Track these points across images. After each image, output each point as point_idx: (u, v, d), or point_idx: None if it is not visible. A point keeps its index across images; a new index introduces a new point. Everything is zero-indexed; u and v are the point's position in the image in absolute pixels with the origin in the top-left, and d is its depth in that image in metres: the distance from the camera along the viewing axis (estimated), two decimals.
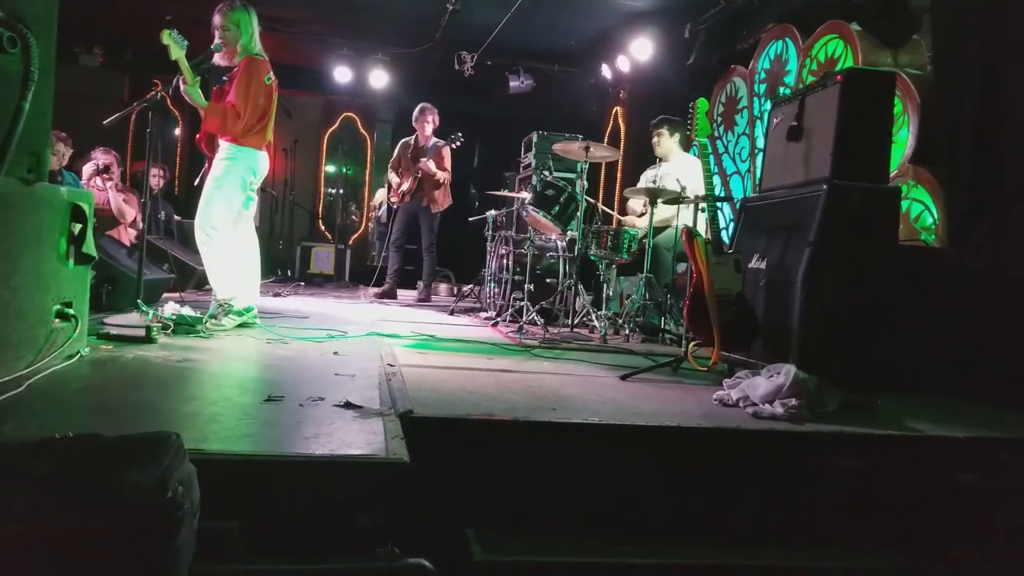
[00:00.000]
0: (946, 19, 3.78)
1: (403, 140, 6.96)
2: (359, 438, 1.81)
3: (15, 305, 2.22)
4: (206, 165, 4.04)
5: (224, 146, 3.84)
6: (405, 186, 6.65)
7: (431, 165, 6.49)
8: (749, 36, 6.26)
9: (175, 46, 3.64)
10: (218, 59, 3.88)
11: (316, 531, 1.60)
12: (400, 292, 6.95)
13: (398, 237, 6.82)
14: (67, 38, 2.53)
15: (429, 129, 6.71)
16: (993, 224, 3.36)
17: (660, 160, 5.41)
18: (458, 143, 6.54)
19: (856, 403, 2.73)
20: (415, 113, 6.76)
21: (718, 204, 3.57)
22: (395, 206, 6.86)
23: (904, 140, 4.14)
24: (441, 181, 6.61)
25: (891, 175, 3.51)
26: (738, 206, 4.20)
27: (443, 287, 8.12)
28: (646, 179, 5.43)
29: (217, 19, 3.83)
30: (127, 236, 6.08)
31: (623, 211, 5.86)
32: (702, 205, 3.94)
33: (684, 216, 4.41)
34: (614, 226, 5.06)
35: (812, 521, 2.25)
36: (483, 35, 7.55)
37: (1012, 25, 3.34)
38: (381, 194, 9.78)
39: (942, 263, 3.59)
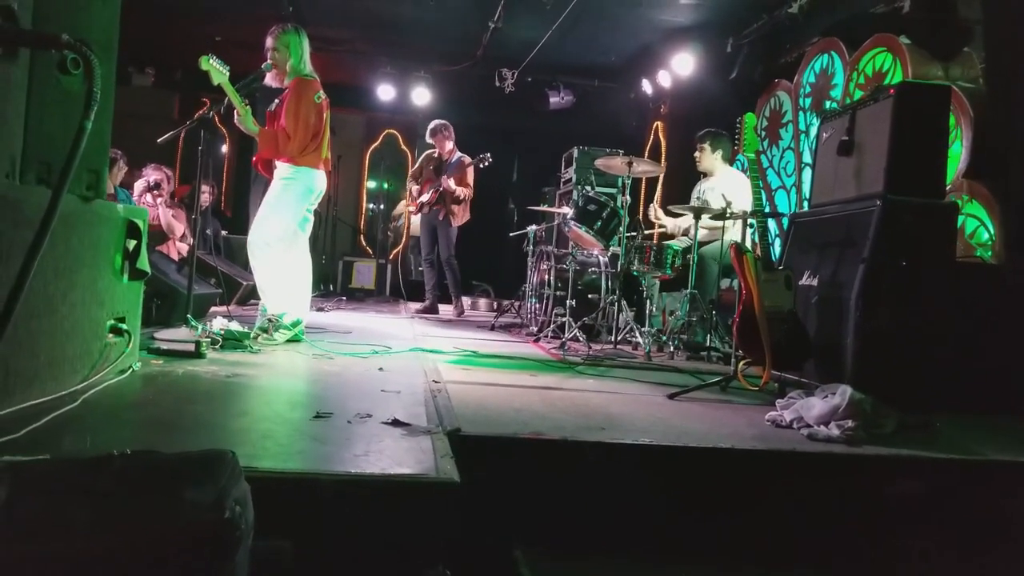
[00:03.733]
0: (999, 31, 3.69)
1: (427, 152, 7.04)
2: (409, 456, 1.79)
3: (71, 320, 2.26)
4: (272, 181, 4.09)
5: (282, 166, 3.91)
6: (425, 197, 6.71)
7: (451, 183, 6.54)
8: (793, 50, 6.18)
9: (215, 72, 3.71)
10: (270, 80, 3.95)
11: (366, 551, 1.59)
12: (441, 307, 6.98)
13: (428, 253, 6.89)
14: (120, 58, 2.60)
15: (450, 145, 6.78)
16: None
17: (704, 175, 5.35)
18: (486, 163, 6.56)
19: (914, 425, 2.63)
20: (432, 129, 6.82)
21: (766, 220, 3.51)
22: (413, 215, 6.96)
23: (958, 154, 4.03)
24: (461, 198, 6.64)
25: (946, 190, 3.41)
26: (786, 222, 4.12)
27: (482, 302, 8.12)
28: (694, 195, 5.37)
29: (269, 41, 3.91)
30: (176, 251, 6.22)
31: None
32: (750, 221, 3.87)
33: (731, 231, 4.33)
34: (655, 235, 5.00)
35: (870, 547, 2.16)
36: (524, 52, 7.59)
37: None
38: (402, 206, 9.88)
39: (999, 280, 3.48)
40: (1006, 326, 3.21)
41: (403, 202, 9.90)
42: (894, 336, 2.98)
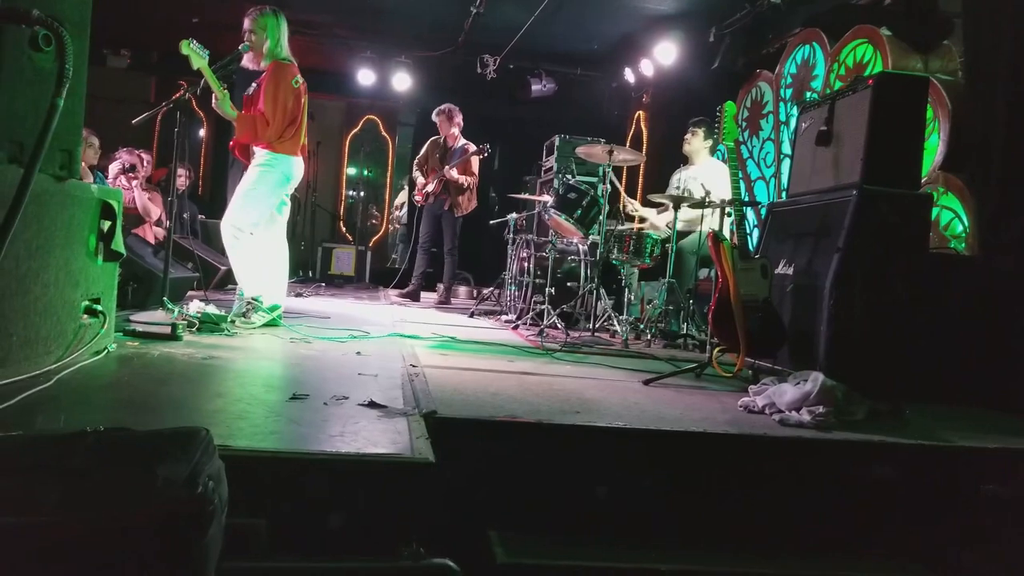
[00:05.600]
0: (978, 24, 3.73)
1: (432, 139, 6.89)
2: (384, 437, 1.80)
3: (45, 300, 2.24)
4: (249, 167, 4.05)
5: (259, 152, 3.87)
6: (430, 187, 6.62)
7: (455, 173, 6.46)
8: (775, 40, 6.21)
9: (195, 56, 3.66)
10: (247, 62, 3.91)
11: (341, 529, 1.59)
12: (422, 294, 6.96)
13: (426, 240, 6.80)
14: (95, 40, 2.56)
15: (455, 130, 6.65)
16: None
17: (684, 163, 5.38)
18: (486, 153, 6.50)
19: (884, 412, 2.68)
20: (439, 113, 6.68)
21: (744, 209, 3.54)
22: (418, 205, 6.86)
23: (935, 146, 4.08)
24: (466, 187, 6.58)
25: (922, 181, 3.46)
26: (764, 211, 4.16)
27: (462, 290, 8.12)
28: (673, 182, 5.40)
29: (246, 23, 3.86)
30: (152, 235, 6.15)
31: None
32: (728, 209, 3.91)
33: (708, 220, 4.37)
34: (635, 223, 5.03)
35: (839, 531, 2.21)
36: (506, 38, 7.56)
37: None
38: (403, 195, 9.81)
39: (972, 271, 3.54)
40: (977, 318, 3.27)
41: (403, 191, 9.80)
42: (866, 325, 3.03)
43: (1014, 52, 3.40)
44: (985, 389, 3.12)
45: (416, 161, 6.99)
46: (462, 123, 6.71)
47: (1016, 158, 3.39)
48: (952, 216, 4.03)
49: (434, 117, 6.76)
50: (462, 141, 6.65)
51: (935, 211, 3.93)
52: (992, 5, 3.59)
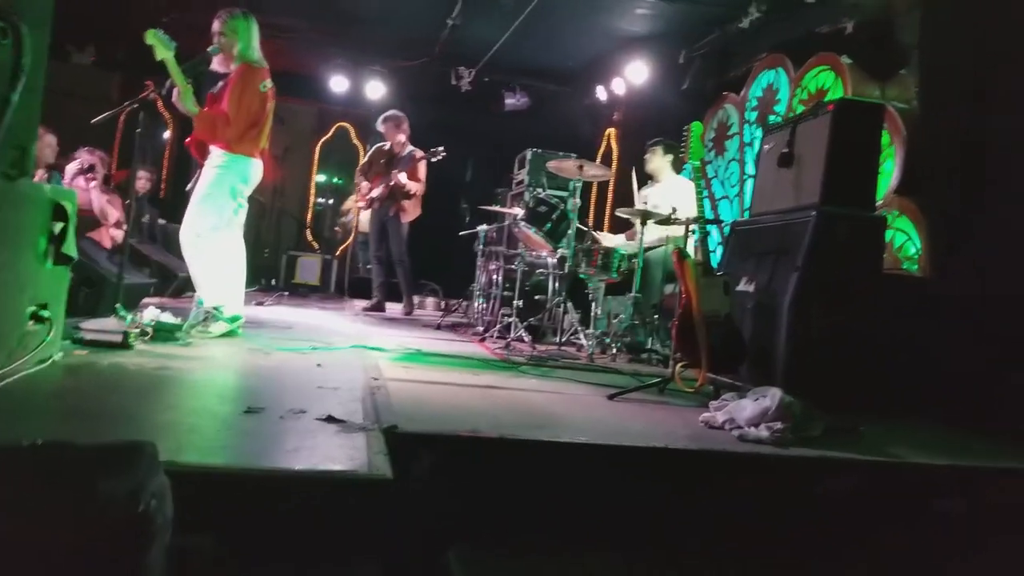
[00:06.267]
0: (933, 55, 3.84)
1: (377, 145, 6.88)
2: (341, 453, 1.77)
3: None
4: (198, 171, 3.98)
5: (216, 153, 3.80)
6: (375, 192, 6.58)
7: (402, 178, 6.43)
8: (742, 64, 6.33)
9: (161, 46, 3.58)
10: (216, 64, 3.85)
11: (294, 547, 1.55)
12: (389, 305, 6.89)
13: (377, 249, 6.75)
14: (59, 36, 2.50)
15: (402, 138, 6.64)
16: (974, 254, 3.40)
17: (650, 179, 5.44)
18: (439, 156, 6.42)
19: (841, 428, 2.72)
20: (383, 118, 6.67)
21: (708, 227, 3.58)
22: (362, 210, 6.82)
23: (890, 171, 4.18)
24: (412, 193, 6.54)
25: (877, 205, 3.54)
26: (727, 230, 4.22)
27: (430, 301, 8.06)
28: (640, 198, 5.44)
29: (216, 25, 3.81)
30: (109, 238, 6.00)
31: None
32: (692, 227, 3.95)
33: (675, 237, 4.41)
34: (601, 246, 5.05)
35: (796, 544, 2.23)
36: (481, 51, 7.58)
37: (998, 63, 3.39)
38: (350, 200, 9.72)
39: (924, 291, 3.62)
40: (929, 336, 3.34)
41: (352, 197, 9.73)
42: (823, 342, 3.07)
43: (966, 83, 3.51)
44: (938, 406, 3.19)
45: (359, 168, 6.95)
46: (409, 131, 6.70)
47: (966, 184, 3.49)
48: (905, 238, 4.13)
49: (379, 125, 6.74)
50: (410, 148, 6.63)
51: (889, 233, 4.02)
52: (947, 38, 3.70)
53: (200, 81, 4.16)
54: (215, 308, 3.71)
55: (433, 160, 6.46)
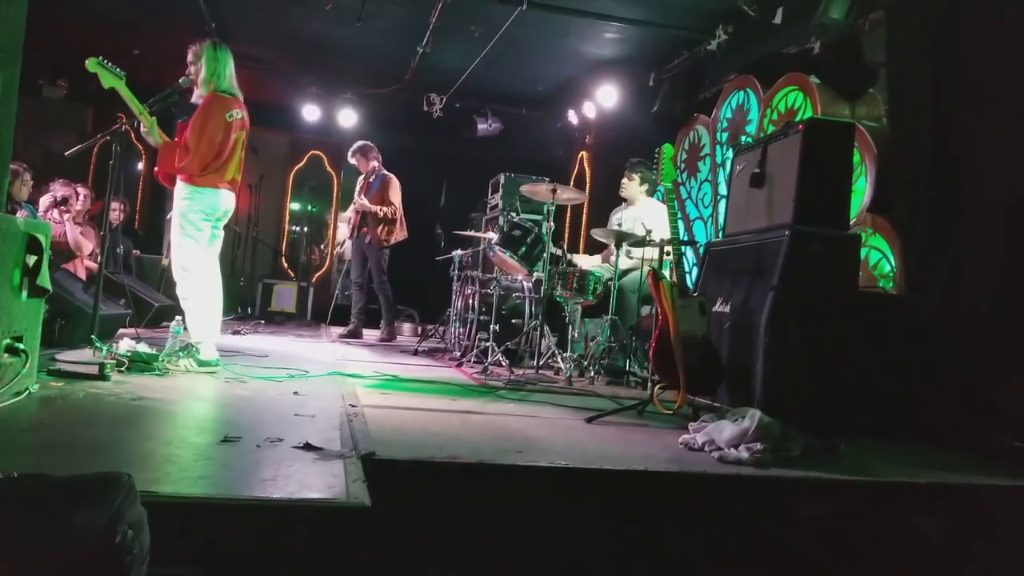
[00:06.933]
0: (901, 73, 3.92)
1: (360, 177, 6.99)
2: (319, 481, 1.75)
3: None
4: (174, 200, 3.96)
5: (180, 185, 3.77)
6: (348, 216, 6.66)
7: (364, 202, 6.52)
8: (712, 86, 6.46)
9: (106, 74, 3.58)
10: (195, 97, 3.85)
11: None
12: (366, 331, 6.86)
13: (358, 276, 6.78)
14: (31, 70, 2.49)
15: (373, 164, 6.74)
16: (947, 271, 3.45)
17: (624, 202, 5.49)
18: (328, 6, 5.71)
19: (820, 448, 2.74)
20: (352, 150, 6.80)
21: (682, 248, 3.62)
22: (350, 239, 6.88)
23: (862, 189, 4.25)
24: (381, 216, 6.57)
25: (851, 223, 3.60)
26: (702, 250, 4.27)
27: (407, 327, 8.04)
28: (613, 221, 5.50)
29: (188, 55, 3.83)
30: (84, 270, 5.92)
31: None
32: (667, 249, 3.99)
33: (649, 259, 4.45)
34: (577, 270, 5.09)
35: (778, 565, 2.23)
36: (452, 78, 7.65)
37: (964, 79, 3.47)
38: (344, 231, 9.73)
39: (899, 309, 3.67)
40: (904, 354, 3.38)
41: (345, 227, 9.76)
42: (801, 362, 3.11)
43: (934, 99, 3.59)
44: (915, 424, 3.21)
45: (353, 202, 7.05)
46: (379, 156, 6.80)
47: (938, 201, 3.56)
48: (880, 256, 4.20)
49: (350, 159, 6.87)
50: (381, 172, 6.72)
51: (864, 251, 4.09)
52: (914, 56, 3.79)
53: (172, 112, 4.16)
54: (195, 344, 3.63)
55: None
